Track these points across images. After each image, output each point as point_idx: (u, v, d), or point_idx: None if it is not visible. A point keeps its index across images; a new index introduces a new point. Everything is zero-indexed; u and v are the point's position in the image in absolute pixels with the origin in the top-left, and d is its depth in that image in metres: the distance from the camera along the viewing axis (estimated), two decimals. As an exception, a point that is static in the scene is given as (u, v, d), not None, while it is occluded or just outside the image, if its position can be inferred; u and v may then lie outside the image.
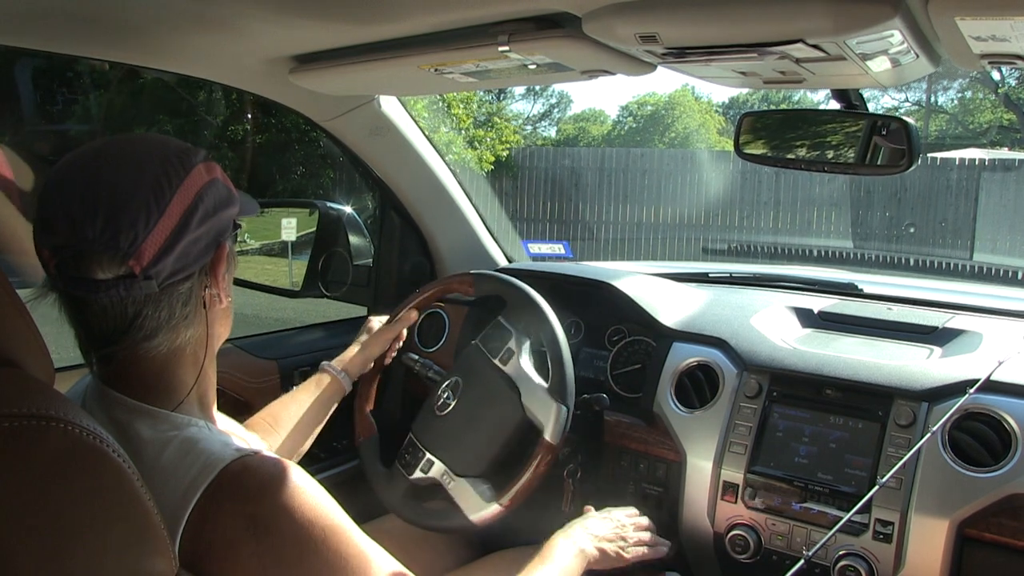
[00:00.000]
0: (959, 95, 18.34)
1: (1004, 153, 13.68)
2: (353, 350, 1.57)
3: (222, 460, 0.84)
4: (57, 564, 0.63)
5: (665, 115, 22.64)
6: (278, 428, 1.42)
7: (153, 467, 0.84)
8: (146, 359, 0.89)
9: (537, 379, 1.44)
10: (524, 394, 1.44)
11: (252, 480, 0.84)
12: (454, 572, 1.54)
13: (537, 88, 24.46)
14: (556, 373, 1.41)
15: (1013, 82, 16.38)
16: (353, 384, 1.54)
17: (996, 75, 15.67)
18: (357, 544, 0.90)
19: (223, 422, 1.11)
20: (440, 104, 11.34)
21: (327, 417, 1.50)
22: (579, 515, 1.56)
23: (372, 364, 1.58)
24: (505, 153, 13.33)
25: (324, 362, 1.53)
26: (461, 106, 12.21)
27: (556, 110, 26.27)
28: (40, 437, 0.64)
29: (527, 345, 1.48)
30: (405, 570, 0.99)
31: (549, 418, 1.39)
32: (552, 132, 23.95)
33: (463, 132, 12.16)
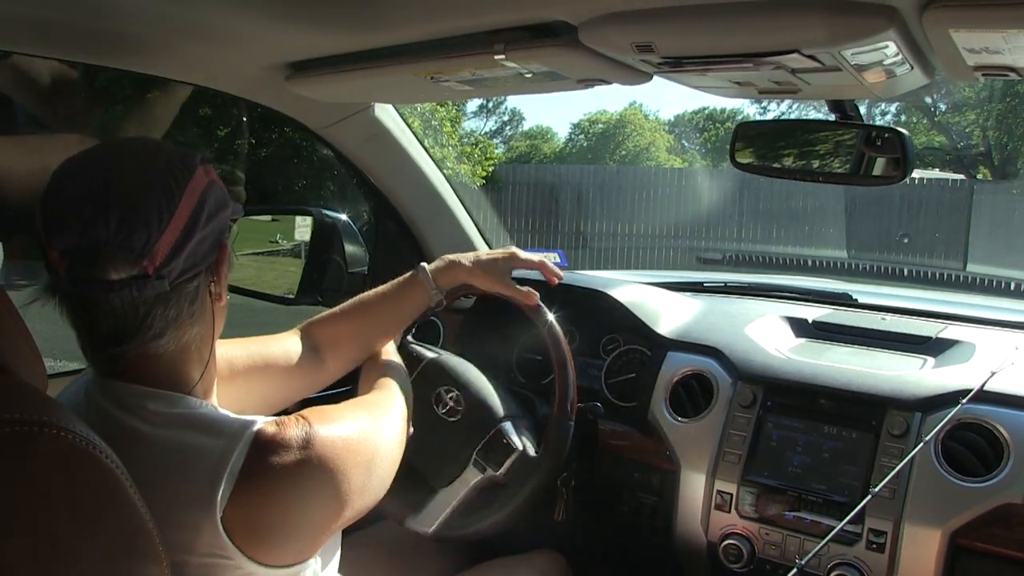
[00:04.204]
0: (896, 118, 19.08)
1: (936, 173, 14.57)
2: (463, 261, 1.41)
3: (246, 428, 0.88)
4: (48, 569, 0.63)
5: (616, 133, 22.82)
6: (346, 335, 1.37)
7: (168, 445, 0.87)
8: (154, 357, 0.90)
9: (457, 508, 1.46)
10: (445, 489, 1.47)
11: (290, 436, 0.89)
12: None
13: (489, 105, 24.66)
14: (461, 526, 1.43)
15: (944, 107, 17.44)
16: (443, 297, 1.41)
17: (928, 99, 16.70)
18: (381, 431, 1.06)
19: None
20: (433, 123, 11.68)
21: (401, 328, 1.44)
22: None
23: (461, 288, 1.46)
24: (491, 168, 13.99)
25: (422, 265, 1.40)
26: (449, 124, 12.71)
27: (508, 127, 26.43)
28: (31, 443, 0.64)
29: (493, 484, 1.46)
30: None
31: (422, 521, 1.45)
32: (501, 150, 23.61)
33: (452, 148, 12.53)
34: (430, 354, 1.58)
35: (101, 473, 0.68)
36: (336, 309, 1.39)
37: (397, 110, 1.88)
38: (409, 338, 1.63)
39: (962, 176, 14.78)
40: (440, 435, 1.48)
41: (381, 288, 1.40)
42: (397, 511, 1.46)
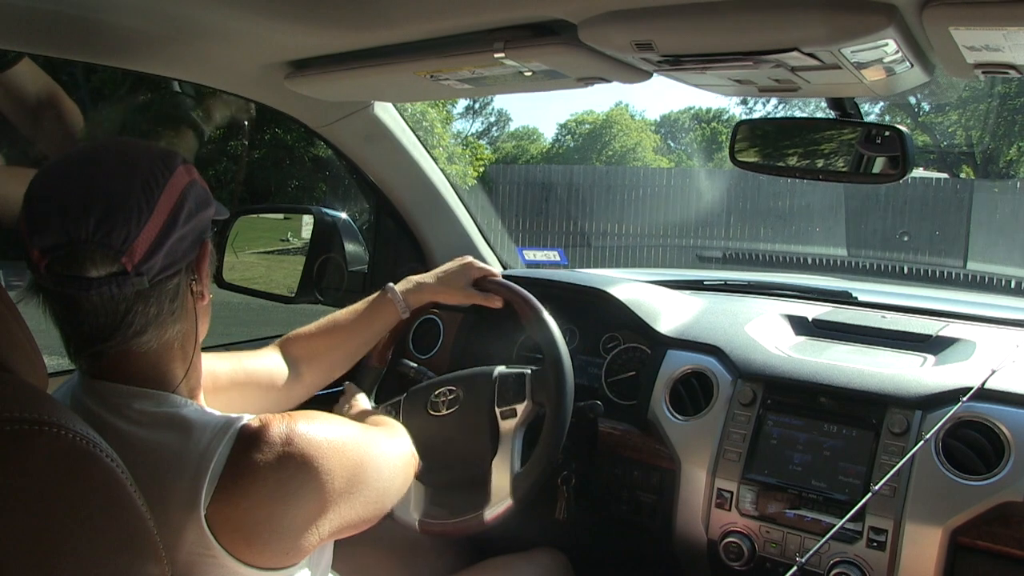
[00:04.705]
0: (880, 118, 19.38)
1: (920, 172, 14.92)
2: (427, 280, 1.52)
3: (231, 424, 0.89)
4: (47, 568, 0.63)
5: (603, 133, 22.99)
6: (322, 350, 1.44)
7: (152, 444, 0.88)
8: (137, 355, 0.91)
9: (516, 458, 1.42)
10: (497, 458, 1.42)
11: (274, 432, 0.90)
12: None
13: (476, 106, 24.94)
14: (530, 469, 1.39)
15: (928, 107, 17.82)
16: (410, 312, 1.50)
17: (912, 99, 17.09)
18: (368, 443, 1.05)
19: None
20: (424, 124, 11.90)
21: (374, 345, 1.51)
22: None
23: (429, 304, 1.55)
24: (481, 169, 14.40)
25: (389, 285, 1.49)
26: (439, 125, 13.03)
27: (495, 128, 26.57)
28: (32, 441, 0.64)
29: (530, 419, 1.45)
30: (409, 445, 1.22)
31: (497, 501, 1.38)
32: (488, 151, 23.49)
33: (443, 149, 12.80)
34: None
35: (101, 472, 0.68)
36: (311, 326, 1.46)
37: (397, 108, 1.88)
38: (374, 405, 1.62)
39: (945, 175, 15.13)
40: (458, 431, 1.46)
41: (353, 307, 1.49)
42: (472, 522, 1.41)
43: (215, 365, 1.26)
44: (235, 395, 1.28)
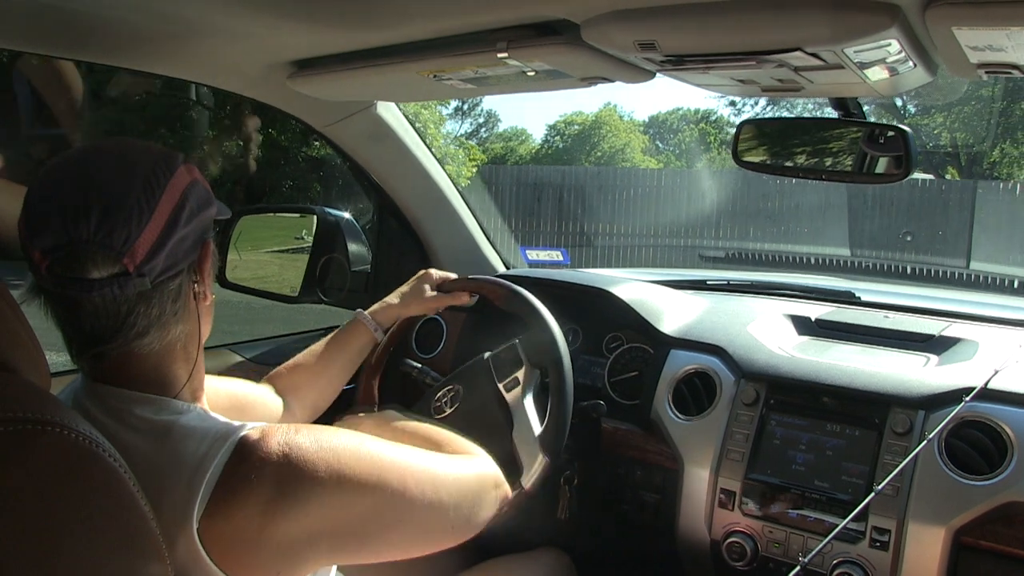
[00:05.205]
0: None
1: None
2: (392, 300, 1.56)
3: (231, 433, 0.87)
4: (48, 567, 0.63)
5: (592, 134, 23.06)
6: (303, 381, 1.46)
7: (151, 453, 0.86)
8: (139, 356, 0.90)
9: (533, 420, 1.40)
10: (516, 429, 1.40)
11: (273, 443, 0.86)
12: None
13: (465, 107, 24.98)
14: (552, 423, 1.38)
15: (913, 109, 17.93)
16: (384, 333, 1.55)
17: (899, 102, 17.11)
18: (391, 459, 0.97)
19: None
20: (416, 125, 12.06)
21: (355, 370, 1.53)
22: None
23: (400, 321, 1.59)
24: (474, 170, 14.69)
25: (359, 310, 1.54)
26: (432, 126, 13.29)
27: (484, 129, 26.64)
28: (34, 441, 0.64)
29: (534, 380, 1.45)
30: (441, 456, 1.10)
31: (531, 464, 1.36)
32: (479, 152, 23.47)
33: (436, 150, 12.99)
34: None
35: (103, 472, 0.68)
36: (290, 360, 1.50)
37: (400, 108, 1.88)
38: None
39: (931, 176, 15.31)
40: (469, 421, 1.45)
41: (328, 336, 1.53)
42: (515, 498, 1.34)
43: (216, 383, 1.26)
44: (234, 417, 1.26)
